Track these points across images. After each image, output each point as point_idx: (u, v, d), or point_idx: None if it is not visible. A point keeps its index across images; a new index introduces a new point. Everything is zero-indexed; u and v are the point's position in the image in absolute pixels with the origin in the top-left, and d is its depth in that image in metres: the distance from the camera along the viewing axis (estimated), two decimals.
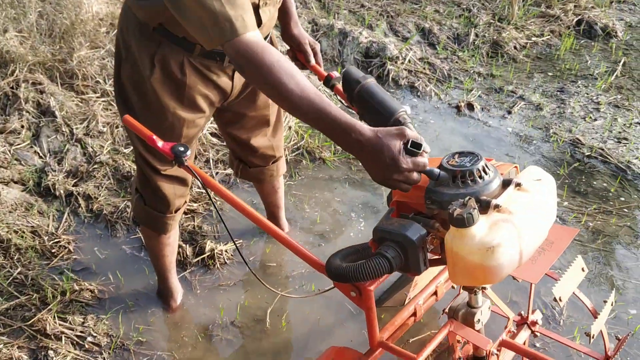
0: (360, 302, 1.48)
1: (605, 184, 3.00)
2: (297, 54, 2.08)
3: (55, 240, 2.54)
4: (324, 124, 1.33)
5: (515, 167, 1.44)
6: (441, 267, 1.66)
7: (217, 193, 1.57)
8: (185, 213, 2.64)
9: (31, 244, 2.50)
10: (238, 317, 2.27)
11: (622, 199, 2.90)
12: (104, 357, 2.10)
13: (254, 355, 2.15)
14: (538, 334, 1.81)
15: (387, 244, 1.32)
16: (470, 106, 3.60)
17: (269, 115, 2.10)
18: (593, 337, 1.59)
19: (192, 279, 2.42)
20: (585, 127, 3.42)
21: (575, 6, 4.62)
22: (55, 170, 2.85)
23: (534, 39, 4.29)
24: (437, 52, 4.09)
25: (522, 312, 1.81)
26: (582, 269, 1.67)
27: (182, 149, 1.54)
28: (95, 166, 2.89)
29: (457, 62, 4.03)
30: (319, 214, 2.76)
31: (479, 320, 1.56)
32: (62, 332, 2.15)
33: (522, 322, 1.79)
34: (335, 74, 1.95)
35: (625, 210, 2.83)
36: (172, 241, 2.18)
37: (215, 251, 2.48)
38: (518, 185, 1.32)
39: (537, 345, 2.15)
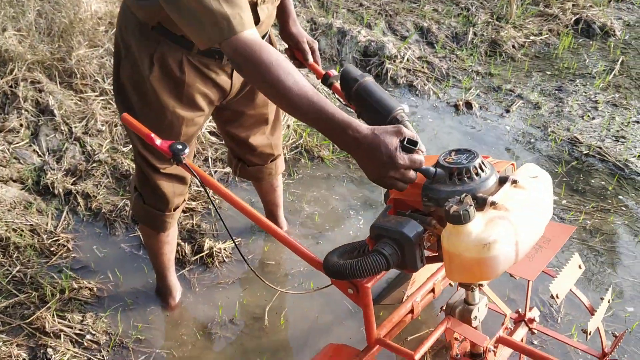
0: (358, 299, 1.49)
1: (603, 183, 3.01)
2: (295, 53, 2.08)
3: (54, 239, 2.54)
4: (321, 122, 1.34)
5: (512, 164, 1.44)
6: (438, 264, 1.67)
7: (216, 191, 1.57)
8: (184, 211, 2.64)
9: (30, 243, 2.50)
10: (237, 315, 2.28)
11: (620, 197, 2.91)
12: (103, 355, 2.11)
13: (252, 352, 2.16)
14: (535, 331, 1.81)
15: (384, 241, 1.32)
16: (468, 105, 3.61)
17: (268, 113, 2.10)
18: (590, 334, 1.60)
19: (191, 277, 2.42)
20: (583, 126, 3.42)
21: (573, 5, 4.62)
22: (54, 169, 2.85)
23: (532, 37, 4.29)
24: (436, 51, 4.10)
25: (520, 310, 1.82)
26: (579, 267, 1.68)
27: (180, 146, 1.54)
28: (94, 165, 2.89)
29: (455, 61, 4.04)
30: (317, 212, 2.77)
31: (476, 317, 1.56)
32: (61, 330, 2.16)
33: (519, 320, 1.80)
34: (334, 72, 1.95)
35: (623, 208, 2.84)
36: (171, 239, 2.18)
37: (214, 249, 2.49)
38: (514, 182, 1.33)
39: (535, 342, 2.16)
